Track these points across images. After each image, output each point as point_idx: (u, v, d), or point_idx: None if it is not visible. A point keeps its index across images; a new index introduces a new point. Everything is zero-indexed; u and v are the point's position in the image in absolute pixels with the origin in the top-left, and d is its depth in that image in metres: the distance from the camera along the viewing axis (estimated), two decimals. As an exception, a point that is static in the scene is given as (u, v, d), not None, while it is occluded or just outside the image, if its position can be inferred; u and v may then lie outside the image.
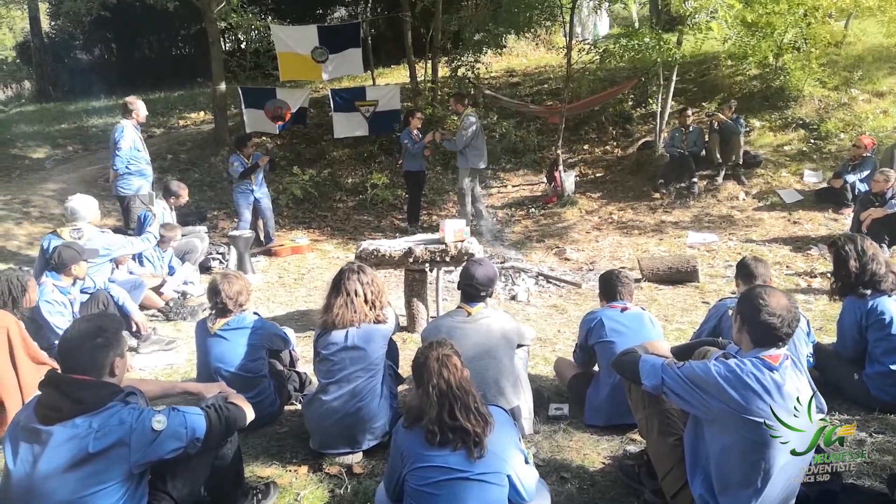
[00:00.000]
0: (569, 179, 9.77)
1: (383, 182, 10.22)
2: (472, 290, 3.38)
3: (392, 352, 3.56)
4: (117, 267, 5.75)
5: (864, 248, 3.57)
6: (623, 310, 3.63)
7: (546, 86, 13.33)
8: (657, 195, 9.33)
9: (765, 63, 10.86)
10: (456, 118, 11.86)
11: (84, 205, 5.31)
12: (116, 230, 6.30)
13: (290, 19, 15.83)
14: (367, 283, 3.33)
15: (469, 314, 3.37)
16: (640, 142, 10.75)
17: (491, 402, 3.08)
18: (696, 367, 2.42)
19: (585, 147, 11.32)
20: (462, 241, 4.99)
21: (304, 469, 3.22)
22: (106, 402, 2.19)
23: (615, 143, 11.18)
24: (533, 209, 9.74)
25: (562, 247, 8.12)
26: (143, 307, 5.56)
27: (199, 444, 2.33)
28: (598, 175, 10.53)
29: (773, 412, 2.28)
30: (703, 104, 11.18)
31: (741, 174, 9.14)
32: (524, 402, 3.39)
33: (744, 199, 8.81)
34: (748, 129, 10.09)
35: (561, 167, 9.79)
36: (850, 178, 7.97)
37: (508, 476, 2.28)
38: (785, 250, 7.28)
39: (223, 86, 10.97)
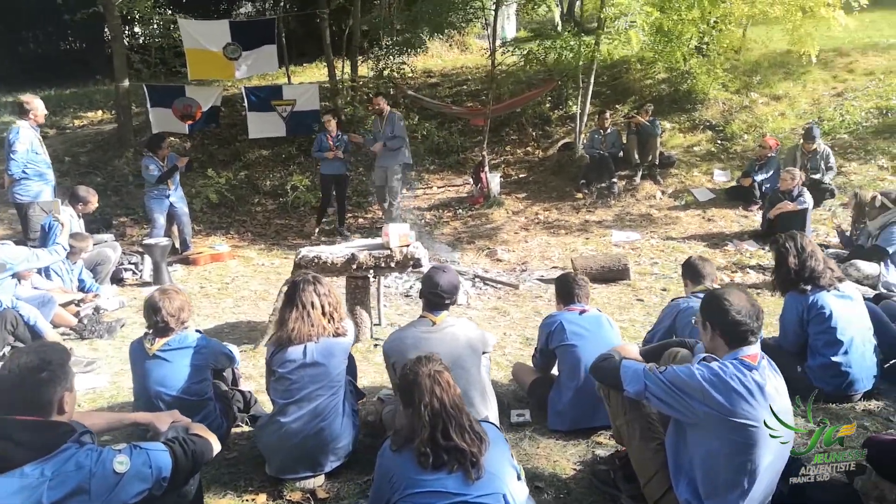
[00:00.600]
0: (494, 180, 9.82)
1: (304, 184, 9.89)
2: (437, 299, 3.27)
3: (351, 366, 3.39)
4: (19, 282, 5.19)
5: (803, 245, 3.73)
6: (581, 312, 3.63)
7: (465, 87, 13.36)
8: (580, 195, 9.54)
9: (673, 67, 11.37)
10: (374, 118, 11.74)
11: None
12: (18, 241, 5.69)
13: (195, 14, 15.03)
14: (324, 295, 3.14)
15: (434, 323, 3.25)
16: (559, 143, 10.97)
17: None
18: (679, 372, 2.42)
19: (507, 148, 11.43)
20: (407, 246, 4.85)
21: (262, 497, 2.98)
22: (59, 444, 1.90)
23: (536, 145, 11.34)
24: (460, 210, 9.72)
25: (493, 248, 8.15)
26: (54, 325, 5.05)
27: (164, 485, 2.07)
28: (521, 176, 10.65)
29: (757, 413, 2.32)
30: (617, 107, 11.57)
31: (657, 174, 9.52)
32: (491, 411, 3.30)
33: (661, 198, 9.18)
34: (661, 130, 10.54)
35: (487, 168, 9.82)
36: (759, 177, 8.46)
37: (504, 495, 2.18)
38: (703, 247, 7.63)
39: (126, 83, 10.22)
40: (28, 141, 6.23)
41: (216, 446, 2.42)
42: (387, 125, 8.49)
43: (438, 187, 10.63)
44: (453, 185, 10.61)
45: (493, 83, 9.80)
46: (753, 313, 2.41)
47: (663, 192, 9.31)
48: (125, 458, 1.97)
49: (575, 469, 3.13)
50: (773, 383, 2.40)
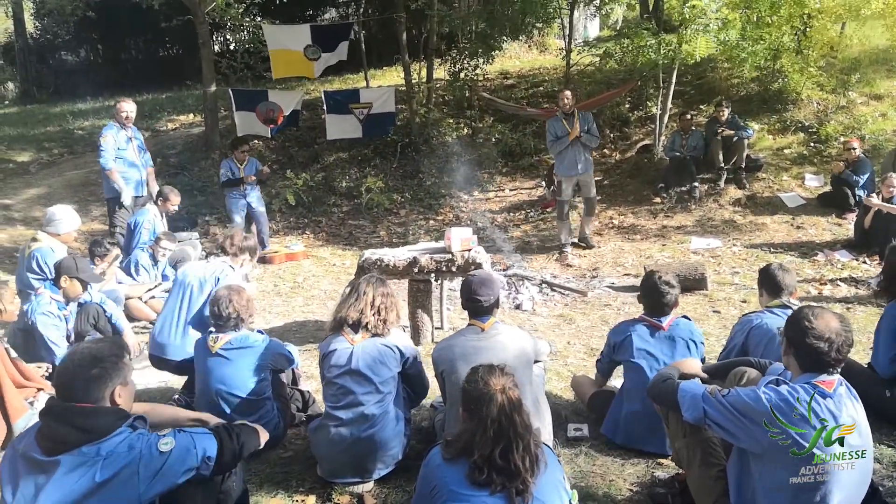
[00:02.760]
0: (566, 184, 9.58)
1: (378, 186, 10.02)
2: (475, 304, 3.18)
3: (417, 380, 3.35)
4: (103, 274, 5.50)
5: None
6: (657, 328, 3.42)
7: (541, 88, 13.15)
8: (658, 199, 9.18)
9: (762, 67, 10.76)
10: (452, 121, 11.75)
11: (63, 216, 5.07)
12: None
13: (280, 19, 15.56)
14: (382, 294, 3.19)
15: (483, 330, 3.17)
16: (638, 145, 10.61)
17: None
18: (744, 396, 2.25)
19: (583, 150, 11.15)
20: (469, 251, 4.80)
21: (311, 499, 3.02)
22: (113, 428, 2.02)
23: (613, 147, 11.03)
24: (531, 213, 9.57)
25: (565, 252, 7.95)
26: (132, 319, 5.33)
27: (211, 464, 2.15)
28: (596, 179, 10.33)
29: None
30: (701, 107, 11.07)
31: (743, 178, 9.02)
32: (544, 424, 3.21)
33: (746, 204, 8.69)
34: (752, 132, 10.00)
35: (560, 171, 9.60)
36: (857, 179, 7.86)
37: (549, 522, 2.08)
38: (790, 256, 7.16)
39: (213, 87, 10.70)
40: (113, 139, 6.62)
41: (263, 437, 2.47)
42: (581, 122, 7.56)
43: (510, 190, 10.51)
44: (525, 188, 10.46)
45: (568, 84, 9.57)
46: (837, 344, 2.19)
47: (749, 198, 8.80)
48: (170, 440, 2.07)
49: (631, 490, 2.98)
50: (850, 412, 2.19)
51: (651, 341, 3.35)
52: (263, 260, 7.83)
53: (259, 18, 16.41)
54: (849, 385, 2.27)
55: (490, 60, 10.34)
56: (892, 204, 6.88)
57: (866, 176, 7.90)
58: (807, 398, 2.16)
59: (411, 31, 12.27)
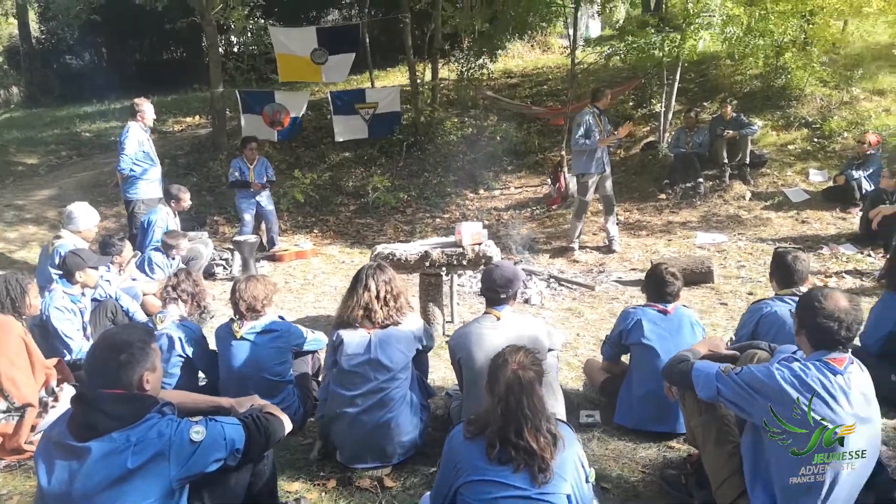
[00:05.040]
0: (573, 181, 9.65)
1: (384, 185, 10.11)
2: (494, 294, 3.26)
3: (421, 362, 3.45)
4: (120, 272, 5.59)
5: None
6: (664, 312, 3.51)
7: (545, 87, 13.24)
8: (663, 196, 9.26)
9: (766, 62, 10.83)
10: (457, 120, 11.83)
11: (81, 213, 5.17)
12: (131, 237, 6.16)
13: (284, 21, 15.67)
14: (385, 282, 3.27)
15: (498, 318, 3.25)
16: (642, 142, 10.68)
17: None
18: (757, 372, 2.32)
19: (588, 148, 11.22)
20: (479, 244, 4.88)
21: (332, 483, 3.09)
22: (142, 414, 2.06)
23: (618, 144, 11.07)
24: (537, 211, 9.65)
25: (572, 249, 8.02)
26: (148, 314, 5.41)
27: (239, 456, 2.21)
28: (601, 176, 10.42)
29: (840, 418, 2.20)
30: (705, 104, 11.13)
31: (747, 174, 9.08)
32: (558, 410, 3.27)
33: (751, 199, 8.76)
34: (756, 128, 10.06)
35: (565, 169, 9.70)
36: (856, 174, 7.93)
37: (568, 496, 2.15)
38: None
39: (221, 89, 10.79)
40: (137, 140, 6.65)
41: (287, 425, 2.54)
42: (609, 123, 7.64)
43: (516, 188, 10.59)
44: (531, 186, 10.54)
45: (573, 82, 9.66)
46: (847, 322, 2.27)
47: (753, 193, 8.87)
48: (201, 429, 2.10)
49: (644, 472, 3.06)
50: (861, 388, 2.26)
51: (660, 324, 3.43)
52: (274, 258, 7.93)
53: (262, 20, 16.57)
54: (861, 363, 2.35)
55: (494, 59, 10.40)
56: (893, 196, 6.94)
57: (872, 170, 7.95)
58: (818, 374, 2.23)
59: (416, 31, 12.35)
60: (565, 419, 3.32)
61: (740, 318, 3.72)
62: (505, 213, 9.83)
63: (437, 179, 10.80)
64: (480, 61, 9.73)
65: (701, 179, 9.05)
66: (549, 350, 3.46)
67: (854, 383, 2.25)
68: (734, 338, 3.66)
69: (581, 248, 7.95)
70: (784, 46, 10.25)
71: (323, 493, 3.01)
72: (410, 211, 10.03)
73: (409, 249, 4.95)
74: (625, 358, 3.75)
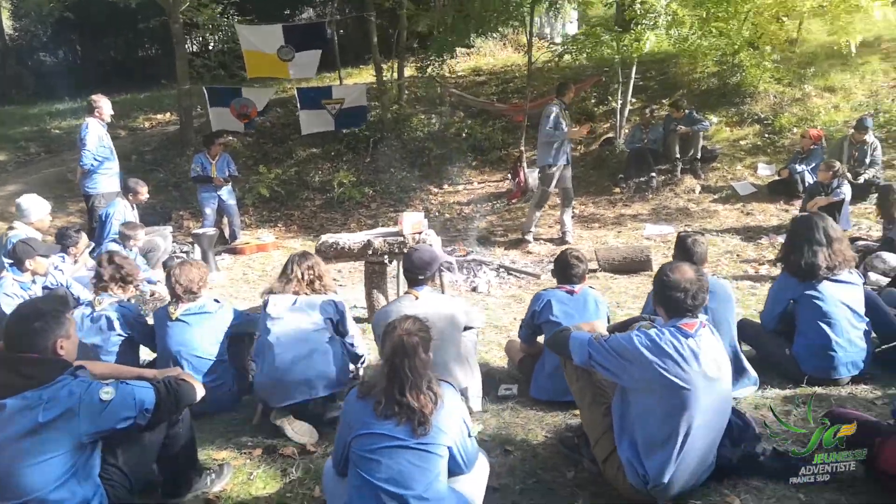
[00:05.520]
0: (532, 176, 9.93)
1: (350, 180, 10.32)
2: (412, 275, 3.55)
3: (342, 322, 3.75)
4: (75, 262, 5.77)
5: (824, 230, 3.70)
6: (571, 293, 3.78)
7: (512, 84, 13.49)
8: (617, 190, 9.56)
9: (722, 61, 11.17)
10: (423, 117, 12.07)
11: (30, 205, 5.36)
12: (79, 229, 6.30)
13: (257, 19, 15.78)
14: (308, 266, 3.70)
15: (416, 298, 3.49)
16: (601, 138, 10.97)
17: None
18: (620, 339, 2.59)
19: (550, 144, 11.49)
20: (420, 233, 5.12)
21: (258, 451, 3.31)
22: (55, 376, 2.28)
23: (578, 140, 11.36)
24: (498, 205, 9.90)
25: (526, 240, 8.28)
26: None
27: (148, 416, 2.43)
28: (561, 171, 10.70)
29: (689, 376, 2.46)
30: (663, 101, 11.44)
31: (698, 168, 9.40)
32: (473, 382, 3.53)
33: (700, 192, 9.08)
34: (709, 124, 10.39)
35: (524, 164, 9.96)
36: (799, 168, 8.27)
37: (450, 448, 2.39)
38: (737, 240, 7.54)
39: (188, 86, 10.93)
40: (97, 135, 6.83)
41: (200, 391, 2.76)
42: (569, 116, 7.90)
43: (479, 183, 10.84)
44: (493, 181, 10.80)
45: (529, 79, 9.93)
46: (692, 291, 2.54)
47: (703, 187, 9.19)
48: (111, 389, 2.33)
49: (546, 437, 3.31)
50: (712, 351, 2.53)
51: (567, 303, 3.70)
52: (235, 251, 8.11)
53: (237, 18, 16.67)
54: (713, 328, 2.62)
55: (454, 56, 10.65)
56: (830, 187, 7.27)
57: (815, 164, 8.28)
58: (670, 338, 2.50)
59: (387, 29, 12.56)
60: (481, 390, 3.59)
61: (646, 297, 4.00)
62: (467, 207, 10.08)
63: (402, 175, 11.01)
64: (441, 59, 9.96)
65: (654, 174, 9.35)
66: (469, 328, 3.73)
67: (704, 346, 2.52)
68: (643, 310, 3.95)
69: (536, 239, 8.22)
70: (739, 45, 10.59)
71: (248, 461, 3.24)
72: (375, 205, 10.24)
73: (353, 239, 5.19)
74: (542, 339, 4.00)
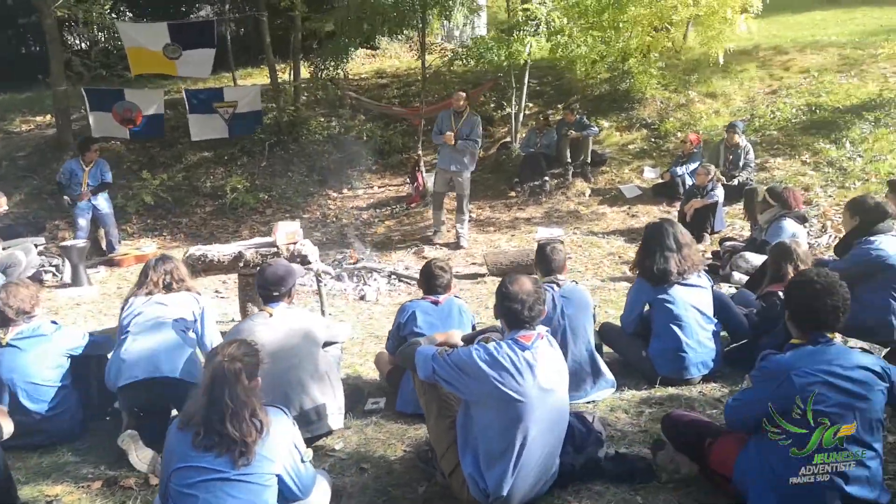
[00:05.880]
0: (430, 180, 9.93)
1: (243, 185, 9.98)
2: (266, 292, 3.41)
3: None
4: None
5: (674, 235, 3.84)
6: (436, 303, 3.77)
7: (414, 87, 13.48)
8: (513, 193, 9.71)
9: (613, 67, 11.58)
10: (323, 120, 11.84)
11: None
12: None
13: (151, 16, 15.02)
14: (164, 272, 3.70)
15: (270, 315, 3.37)
16: (499, 143, 11.13)
17: (293, 401, 3.13)
18: (460, 353, 2.58)
19: (450, 148, 11.55)
20: (295, 244, 4.97)
21: (97, 484, 3.10)
22: None
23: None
24: (397, 209, 9.85)
25: (421, 246, 8.27)
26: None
27: None
28: (460, 175, 10.77)
29: (524, 389, 2.48)
30: (559, 106, 11.74)
31: (588, 172, 9.70)
32: (333, 398, 3.44)
33: (590, 196, 9.36)
34: (599, 129, 10.73)
35: (423, 168, 9.96)
36: (679, 171, 8.67)
37: (279, 476, 2.30)
38: (621, 241, 7.81)
39: (63, 87, 10.24)
40: None
41: (7, 429, 2.54)
42: (465, 123, 7.87)
43: (379, 187, 10.76)
44: (393, 185, 10.74)
45: (424, 83, 9.96)
46: (528, 303, 2.57)
47: (593, 190, 9.49)
48: None
49: (405, 451, 3.27)
50: (549, 364, 2.56)
51: (432, 313, 3.68)
52: (112, 262, 7.66)
53: (129, 15, 15.83)
54: (551, 339, 2.66)
55: (348, 60, 10.52)
56: (706, 190, 7.65)
57: (694, 166, 8.69)
58: (507, 351, 2.51)
59: (288, 30, 12.24)
60: (342, 407, 3.51)
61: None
62: (366, 212, 9.97)
63: (300, 179, 10.77)
64: (335, 63, 9.79)
65: (547, 178, 9.57)
66: (333, 343, 3.64)
67: (540, 357, 2.54)
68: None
69: (432, 244, 8.23)
70: (628, 53, 11.02)
71: (84, 495, 3.01)
72: (270, 211, 9.96)
73: (223, 250, 4.98)
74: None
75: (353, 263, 7.11)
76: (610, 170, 9.87)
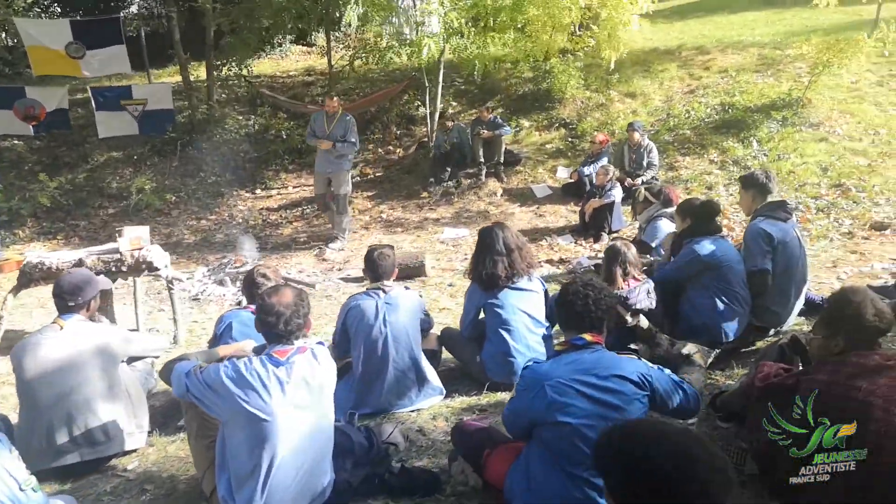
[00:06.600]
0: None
1: (150, 186, 9.67)
2: (62, 301, 3.21)
3: None
4: None
5: (504, 239, 3.80)
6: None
7: (340, 85, 13.27)
8: (425, 193, 9.60)
9: (535, 67, 11.57)
10: (241, 118, 11.57)
11: None
12: None
13: (82, 12, 14.46)
14: None
15: (62, 327, 3.18)
16: (417, 143, 11.02)
17: (76, 420, 2.95)
18: (210, 370, 2.43)
19: (370, 147, 11.38)
20: (140, 249, 4.76)
21: None
22: None
23: (398, 143, 11.36)
24: (307, 210, 9.66)
25: (322, 247, 8.10)
26: None
27: None
28: (377, 175, 10.64)
29: (271, 407, 2.34)
30: (490, 105, 11.66)
31: (501, 172, 9.64)
32: (131, 417, 3.26)
33: (502, 195, 9.30)
34: (517, 128, 10.70)
35: (334, 168, 9.77)
36: (586, 170, 8.66)
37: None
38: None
39: (-42, 83, 9.79)
40: None
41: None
42: (337, 126, 7.87)
43: (294, 187, 10.54)
44: (308, 185, 10.51)
45: (331, 82, 9.80)
46: (287, 316, 2.43)
47: (505, 189, 9.43)
48: None
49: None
50: (305, 380, 2.43)
51: (249, 324, 3.47)
52: (-10, 268, 7.31)
53: (59, 13, 15.22)
54: (319, 352, 2.53)
55: (249, 58, 10.30)
56: (604, 190, 7.65)
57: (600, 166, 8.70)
58: (257, 367, 2.37)
59: (202, 27, 11.90)
60: (145, 424, 3.33)
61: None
62: (276, 212, 9.75)
63: (212, 179, 10.49)
64: (240, 60, 9.57)
65: (453, 178, 9.48)
66: (143, 357, 3.47)
67: (296, 373, 2.41)
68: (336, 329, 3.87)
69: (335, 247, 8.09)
70: (550, 52, 10.99)
71: None
72: (176, 213, 9.67)
73: (63, 258, 4.74)
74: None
75: (238, 267, 6.90)
76: (524, 169, 9.83)
